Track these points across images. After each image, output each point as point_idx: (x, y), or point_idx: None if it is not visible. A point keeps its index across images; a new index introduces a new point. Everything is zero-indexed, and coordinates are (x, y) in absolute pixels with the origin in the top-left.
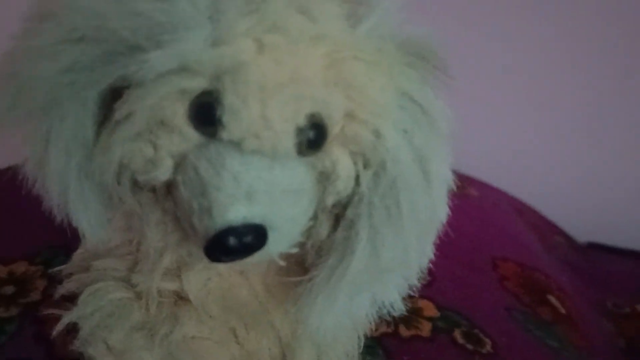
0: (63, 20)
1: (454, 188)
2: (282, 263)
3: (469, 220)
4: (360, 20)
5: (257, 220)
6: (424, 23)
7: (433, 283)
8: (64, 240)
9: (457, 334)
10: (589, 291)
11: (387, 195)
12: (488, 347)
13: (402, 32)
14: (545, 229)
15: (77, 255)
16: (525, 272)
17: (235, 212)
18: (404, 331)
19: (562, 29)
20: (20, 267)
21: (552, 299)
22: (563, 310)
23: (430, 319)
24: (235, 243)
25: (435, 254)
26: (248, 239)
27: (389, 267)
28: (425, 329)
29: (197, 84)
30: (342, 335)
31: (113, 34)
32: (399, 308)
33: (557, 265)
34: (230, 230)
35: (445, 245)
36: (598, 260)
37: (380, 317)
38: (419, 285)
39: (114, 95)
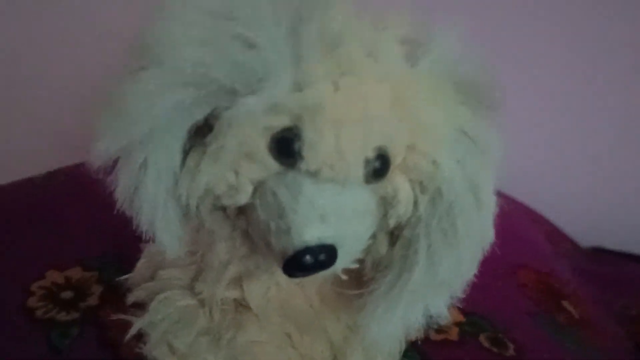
0: (170, 67)
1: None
2: (344, 277)
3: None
4: (418, 61)
5: (329, 240)
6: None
7: None
8: (115, 248)
9: (483, 338)
10: (598, 295)
11: (443, 218)
12: (511, 351)
13: (458, 71)
14: (555, 236)
15: (142, 265)
16: (541, 278)
17: (311, 233)
18: (434, 335)
19: (576, 37)
20: (76, 273)
21: (567, 305)
22: (577, 316)
23: (457, 323)
24: (311, 261)
25: None
26: (322, 257)
27: (444, 281)
28: (454, 333)
29: (280, 122)
30: (390, 341)
31: (214, 81)
32: (446, 317)
33: (568, 270)
34: (307, 250)
35: None
36: (603, 265)
37: (428, 325)
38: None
39: (201, 127)
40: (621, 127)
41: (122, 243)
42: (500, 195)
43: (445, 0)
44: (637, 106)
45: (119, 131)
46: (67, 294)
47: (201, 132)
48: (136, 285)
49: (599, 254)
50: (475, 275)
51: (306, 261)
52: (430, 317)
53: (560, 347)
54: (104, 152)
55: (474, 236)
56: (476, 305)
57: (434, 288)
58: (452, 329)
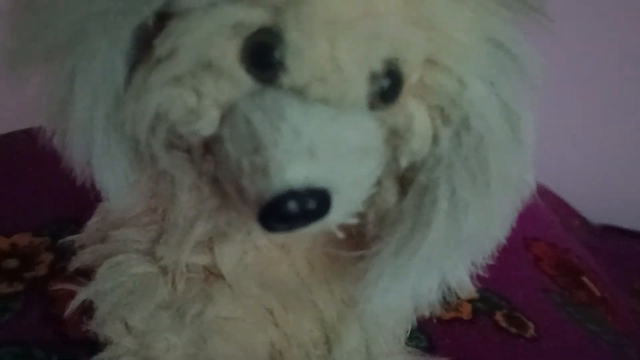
0: None
1: None
2: (340, 235)
3: None
4: None
5: (320, 182)
6: None
7: None
8: (74, 211)
9: (499, 317)
10: (611, 273)
11: (471, 157)
12: (532, 331)
13: None
14: (563, 211)
15: (92, 224)
16: (557, 253)
17: (296, 172)
18: (444, 313)
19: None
20: (24, 239)
21: (587, 281)
22: (598, 293)
23: (469, 300)
24: (296, 209)
25: None
26: (311, 204)
27: (471, 239)
28: (466, 311)
29: (255, 17)
30: (393, 318)
31: None
32: (468, 288)
33: (582, 247)
34: (291, 194)
35: None
36: (615, 243)
37: (444, 299)
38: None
39: (151, 34)
40: (635, 104)
41: (82, 207)
42: None
43: None
44: None
45: (33, 31)
46: (11, 263)
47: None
48: (83, 249)
49: (610, 231)
50: None
51: (289, 209)
52: (448, 288)
53: (581, 327)
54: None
55: (511, 181)
56: (489, 281)
57: (456, 249)
58: (464, 305)
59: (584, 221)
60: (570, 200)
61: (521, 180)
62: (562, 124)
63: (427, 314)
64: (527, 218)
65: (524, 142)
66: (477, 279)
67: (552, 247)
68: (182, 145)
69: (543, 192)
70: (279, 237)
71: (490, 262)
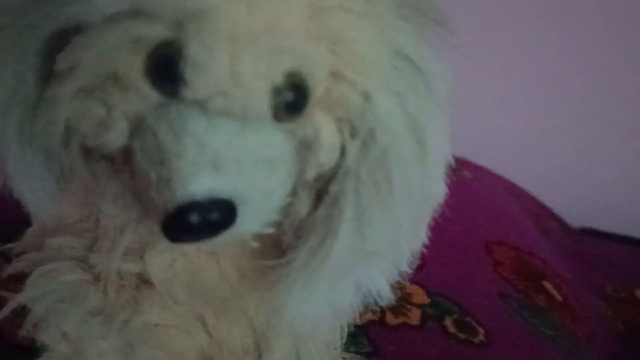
0: None
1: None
2: (254, 244)
3: (462, 203)
4: None
5: (224, 194)
6: None
7: (423, 267)
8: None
9: (448, 322)
10: (586, 276)
11: (376, 169)
12: (481, 336)
13: None
14: (539, 213)
15: (30, 232)
16: (521, 256)
17: (199, 184)
18: (391, 319)
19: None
20: None
21: (548, 285)
22: (559, 297)
23: (419, 305)
24: (198, 220)
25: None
26: (213, 215)
27: (376, 250)
28: (415, 316)
29: (155, 32)
30: (322, 324)
31: None
32: (387, 296)
33: (553, 250)
34: (193, 205)
35: (436, 228)
36: (593, 245)
37: (366, 306)
38: (409, 271)
39: (62, 45)
40: (614, 107)
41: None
42: (480, 169)
43: None
44: (629, 85)
45: None
46: None
47: None
48: (20, 256)
49: (589, 234)
50: (440, 250)
51: (191, 220)
52: (368, 295)
53: (535, 331)
54: None
55: (416, 192)
56: (442, 285)
57: (365, 258)
58: (412, 311)
59: (561, 223)
60: (550, 203)
61: (427, 192)
62: (541, 126)
63: (349, 321)
64: (492, 222)
65: (430, 155)
66: (432, 283)
67: (516, 251)
68: (102, 155)
69: (519, 196)
70: (205, 245)
71: (446, 266)
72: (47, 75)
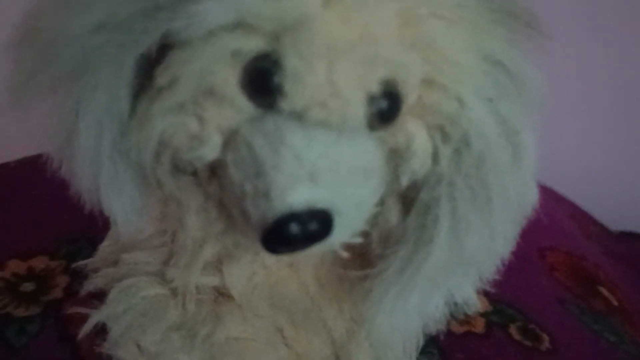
0: None
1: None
2: (344, 255)
3: None
4: None
5: (322, 204)
6: None
7: None
8: (89, 232)
9: (513, 330)
10: (634, 280)
11: (472, 175)
12: (546, 344)
13: None
14: (582, 220)
15: (104, 248)
16: (574, 262)
17: (297, 195)
18: (456, 328)
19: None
20: (40, 263)
21: (603, 290)
22: (615, 302)
23: (482, 313)
24: (297, 231)
25: None
26: (312, 226)
27: (474, 258)
28: (479, 324)
29: (254, 44)
30: (410, 334)
31: None
32: (475, 305)
33: (600, 254)
34: (292, 217)
35: None
36: (633, 248)
37: (452, 315)
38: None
39: (154, 62)
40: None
41: (97, 230)
42: None
43: None
44: None
45: (37, 62)
46: (28, 286)
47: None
48: (96, 272)
49: (630, 237)
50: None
51: (291, 231)
52: (455, 304)
53: (599, 338)
54: (26, 94)
55: (512, 198)
56: (502, 292)
57: (460, 267)
58: (477, 319)
59: (602, 227)
60: (588, 208)
61: (522, 196)
62: (580, 133)
63: (434, 330)
64: (542, 228)
65: (524, 158)
66: (493, 290)
67: (568, 256)
68: (189, 169)
69: (560, 201)
70: (286, 257)
71: (504, 273)
72: (139, 92)
